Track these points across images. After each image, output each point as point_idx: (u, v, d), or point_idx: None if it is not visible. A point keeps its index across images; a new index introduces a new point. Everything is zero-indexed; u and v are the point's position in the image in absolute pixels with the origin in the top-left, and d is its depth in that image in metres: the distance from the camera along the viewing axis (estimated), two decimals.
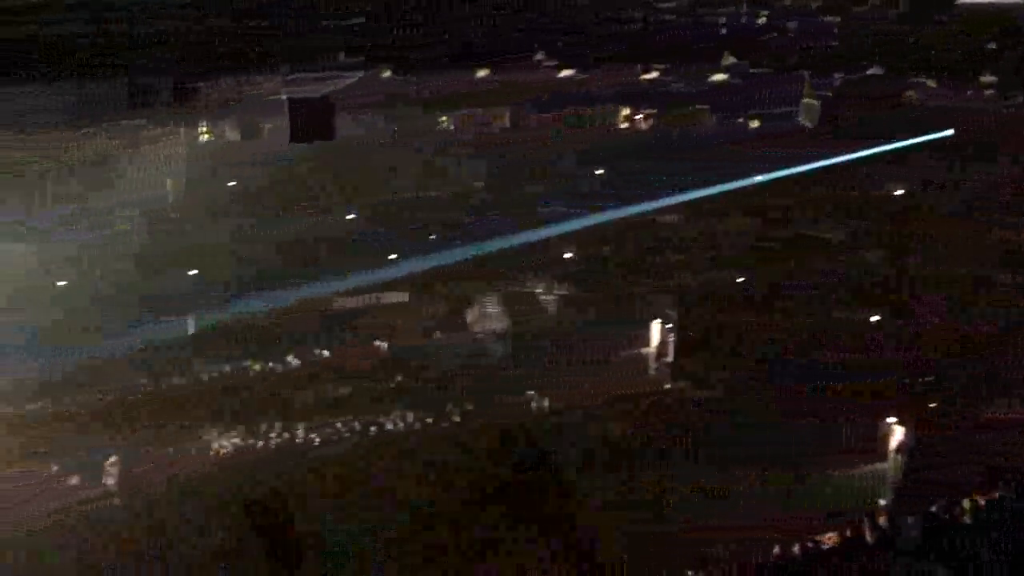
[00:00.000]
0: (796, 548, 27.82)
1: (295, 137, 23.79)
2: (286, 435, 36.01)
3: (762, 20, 63.97)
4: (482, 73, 49.77)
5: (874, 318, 43.11)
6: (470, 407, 37.33)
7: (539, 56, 53.90)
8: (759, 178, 53.16)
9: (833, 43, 63.00)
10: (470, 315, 44.07)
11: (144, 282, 42.08)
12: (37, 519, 30.80)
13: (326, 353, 41.29)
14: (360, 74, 29.42)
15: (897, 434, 33.91)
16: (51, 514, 31.28)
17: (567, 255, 47.88)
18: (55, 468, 34.12)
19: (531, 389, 38.33)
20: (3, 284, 40.93)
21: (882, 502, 31.14)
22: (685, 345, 40.65)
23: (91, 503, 32.51)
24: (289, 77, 26.96)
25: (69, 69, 21.62)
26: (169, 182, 42.65)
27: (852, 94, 60.26)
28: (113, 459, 34.64)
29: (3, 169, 41.20)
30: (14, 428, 36.50)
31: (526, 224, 46.89)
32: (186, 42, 21.64)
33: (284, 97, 26.27)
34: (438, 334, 42.94)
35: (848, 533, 28.52)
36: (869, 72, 61.59)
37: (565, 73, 55.46)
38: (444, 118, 47.70)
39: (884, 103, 59.63)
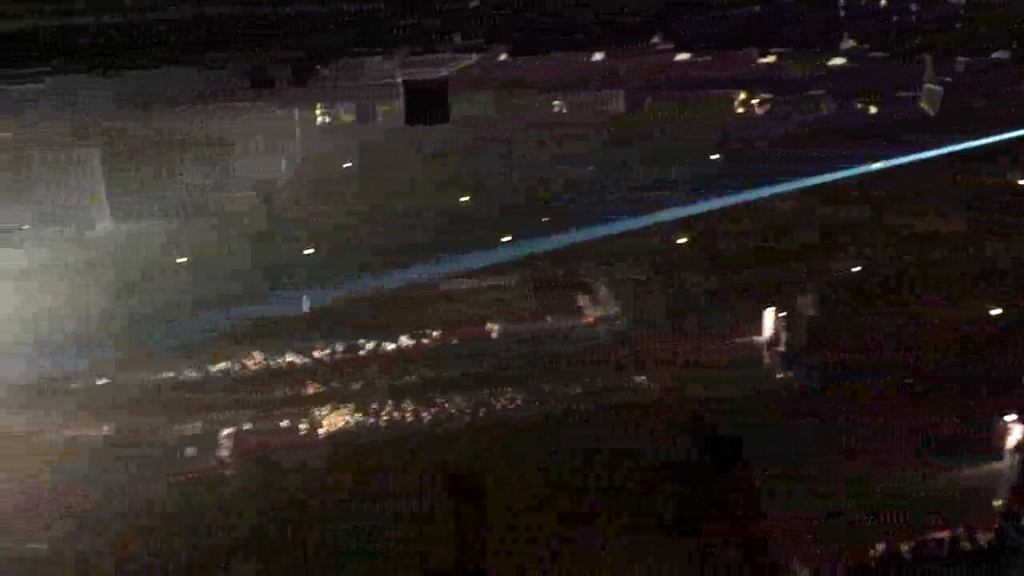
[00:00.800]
0: (906, 546, 27.13)
1: (411, 119, 23.88)
2: (396, 414, 36.34)
3: (883, 2, 62.48)
4: (598, 56, 49.42)
5: (995, 311, 41.70)
6: (578, 390, 37.18)
7: (655, 39, 53.32)
8: (877, 165, 51.95)
9: (957, 26, 61.21)
10: (582, 299, 43.92)
11: (260, 259, 42.78)
12: (156, 486, 31.63)
13: (436, 333, 41.56)
14: (476, 57, 29.39)
15: (1016, 432, 32.67)
16: (169, 482, 32.11)
17: (681, 240, 47.34)
18: (175, 438, 35.16)
19: (641, 375, 38.01)
20: (129, 260, 42.26)
21: (998, 502, 30.07)
22: (800, 335, 39.76)
23: (205, 473, 33.29)
24: (406, 60, 27.03)
25: (195, 52, 22.01)
26: (285, 162, 43.40)
27: (976, 79, 58.48)
28: (227, 432, 35.48)
29: (130, 149, 42.37)
30: (138, 399, 37.71)
31: (639, 209, 46.45)
32: (307, 26, 21.84)
33: (400, 80, 26.36)
34: (549, 319, 42.85)
35: (961, 532, 27.66)
36: (994, 56, 59.69)
37: (681, 57, 54.79)
38: (558, 102, 47.48)
39: (1009, 89, 57.70)
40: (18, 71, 23.65)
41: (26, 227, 43.29)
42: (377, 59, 28.99)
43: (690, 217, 47.39)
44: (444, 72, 29.28)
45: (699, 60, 55.24)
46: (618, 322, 42.59)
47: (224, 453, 34.54)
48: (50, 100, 30.59)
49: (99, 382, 39.77)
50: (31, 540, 28.50)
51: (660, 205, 47.43)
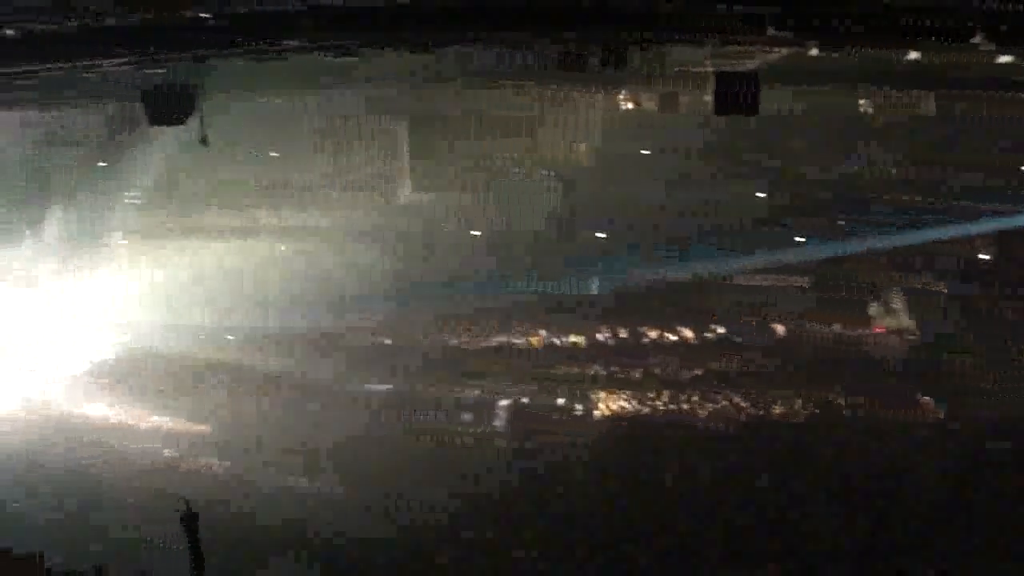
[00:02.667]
0: None
1: (719, 110, 23.39)
2: (672, 405, 36.08)
3: None
4: (914, 55, 46.76)
5: None
6: (860, 401, 35.78)
7: (976, 39, 49.89)
8: None
9: None
10: (873, 308, 42.21)
11: (553, 239, 43.33)
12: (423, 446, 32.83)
13: (721, 329, 41.04)
14: (786, 49, 28.58)
15: None
16: (439, 442, 33.22)
17: (983, 256, 44.46)
18: (453, 402, 36.36)
19: (927, 394, 36.14)
20: (425, 230, 43.89)
21: None
22: None
23: (478, 439, 34.22)
24: (716, 49, 26.57)
25: (508, 31, 22.39)
26: (585, 146, 43.78)
27: None
28: (504, 403, 36.32)
29: (435, 123, 43.89)
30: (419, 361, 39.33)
31: (945, 218, 43.93)
32: (617, 11, 21.89)
33: (711, 69, 25.91)
34: (837, 326, 41.45)
35: None
36: None
37: (1004, 59, 50.92)
38: (864, 100, 45.61)
39: None
40: (338, 45, 24.88)
41: (335, 191, 45.60)
42: (687, 47, 28.64)
43: (999, 230, 44.08)
44: (754, 63, 28.66)
45: None
46: (912, 336, 40.71)
47: (499, 423, 35.39)
48: (362, 72, 31.93)
49: (385, 341, 41.74)
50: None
51: (969, 215, 44.54)
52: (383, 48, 25.25)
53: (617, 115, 41.70)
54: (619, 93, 40.86)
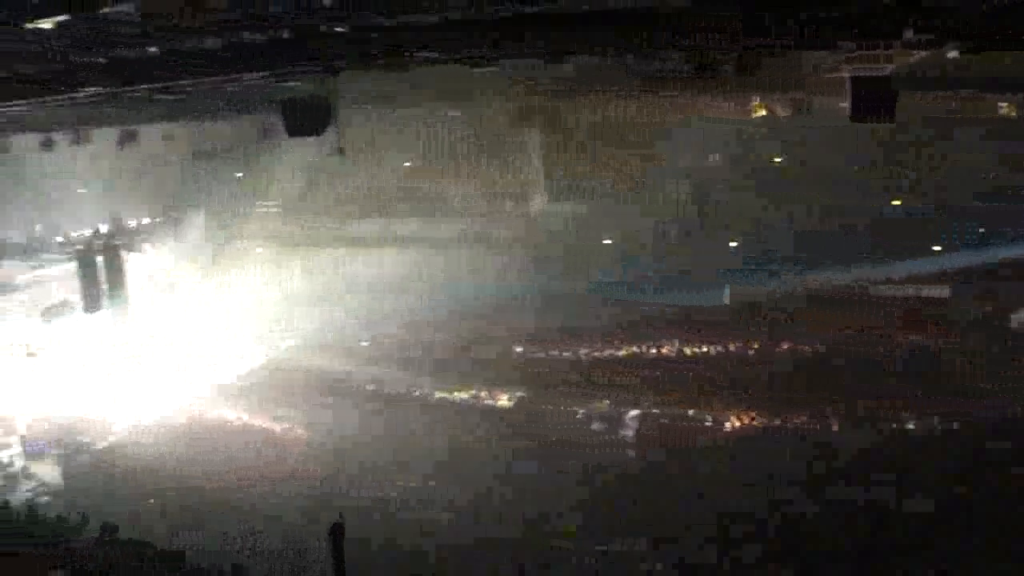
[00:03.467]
0: None
1: (856, 116, 22.83)
2: (802, 420, 35.01)
3: None
4: None
5: None
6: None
7: None
8: None
9: None
10: (1015, 320, 40.69)
11: (685, 247, 42.99)
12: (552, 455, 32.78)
13: (855, 343, 39.94)
14: (924, 53, 27.76)
15: None
16: (568, 452, 33.13)
17: None
18: (582, 411, 36.32)
19: None
20: (556, 238, 44.03)
21: None
22: None
23: (607, 449, 34.07)
24: (851, 54, 26.01)
25: (640, 39, 22.24)
26: (719, 153, 43.33)
27: None
28: (634, 413, 36.14)
29: (567, 133, 43.95)
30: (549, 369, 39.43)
31: None
32: (748, 17, 21.55)
33: (846, 75, 25.41)
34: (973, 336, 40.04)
35: None
36: None
37: None
38: (1005, 104, 44.06)
39: None
40: (472, 55, 25.04)
41: (469, 201, 46.13)
42: (821, 52, 28.06)
43: None
44: (890, 68, 27.91)
45: None
46: None
47: (629, 433, 35.22)
48: (496, 83, 32.18)
49: (516, 349, 41.97)
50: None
51: None
52: (517, 58, 25.39)
53: (750, 122, 41.14)
54: (752, 100, 40.31)
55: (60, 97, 27.33)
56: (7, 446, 37.34)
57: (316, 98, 25.12)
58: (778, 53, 24.67)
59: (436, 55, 23.61)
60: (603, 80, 33.22)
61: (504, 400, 38.00)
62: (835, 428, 34.31)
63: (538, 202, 45.53)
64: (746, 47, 23.44)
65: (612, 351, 41.11)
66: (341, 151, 27.77)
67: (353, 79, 25.99)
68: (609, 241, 43.88)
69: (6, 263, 40.60)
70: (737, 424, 35.20)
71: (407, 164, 46.13)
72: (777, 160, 42.24)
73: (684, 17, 21.65)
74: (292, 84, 26.02)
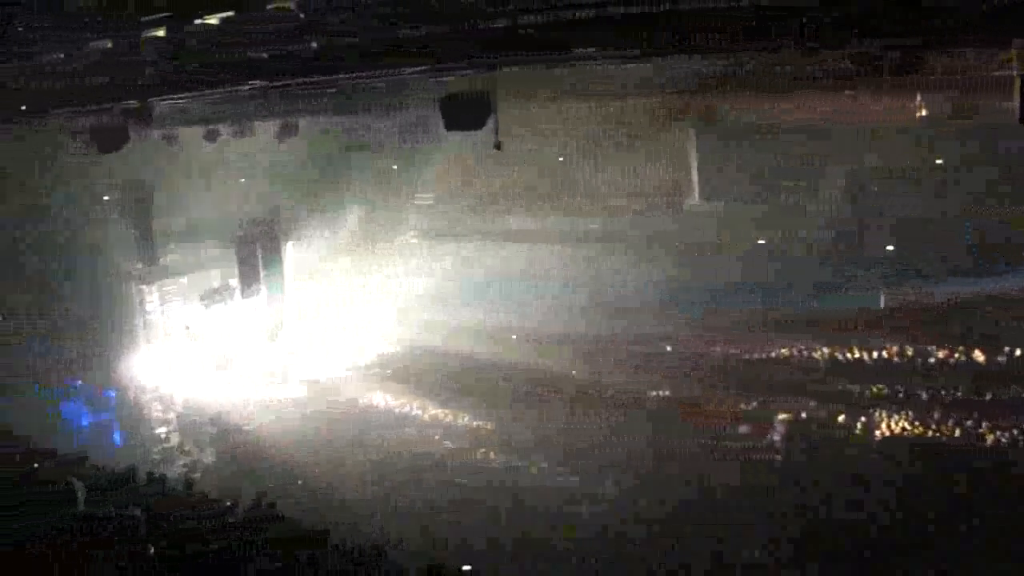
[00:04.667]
0: None
1: None
2: (958, 431, 34.06)
3: None
4: None
5: None
6: None
7: None
8: None
9: None
10: None
11: (841, 250, 42.02)
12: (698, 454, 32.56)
13: (1018, 351, 38.44)
14: None
15: None
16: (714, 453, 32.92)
17: None
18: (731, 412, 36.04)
19: None
20: (708, 237, 43.55)
21: None
22: None
23: (754, 453, 33.73)
24: (1021, 52, 25.11)
25: (801, 36, 21.93)
26: (875, 155, 42.05)
27: None
28: (782, 416, 35.67)
29: (718, 132, 43.43)
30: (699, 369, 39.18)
31: None
32: (918, 14, 20.94)
33: (1014, 73, 24.57)
34: None
35: None
36: None
37: None
38: None
39: None
40: (623, 53, 25.06)
41: (622, 197, 46.08)
42: (986, 50, 27.10)
43: None
44: None
45: None
46: None
47: (776, 437, 34.79)
48: (651, 79, 32.09)
49: (666, 348, 41.76)
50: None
51: None
52: (673, 55, 25.32)
53: (911, 122, 39.96)
54: (913, 99, 39.15)
55: (224, 91, 28.47)
56: (168, 423, 39.04)
57: (474, 93, 25.43)
58: (941, 50, 24.08)
59: (593, 51, 23.76)
60: (759, 77, 32.79)
61: (652, 395, 37.93)
62: (990, 441, 33.16)
63: (692, 199, 45.00)
64: (907, 45, 22.94)
65: (762, 352, 40.46)
66: (498, 146, 27.94)
67: (512, 74, 26.30)
68: (763, 241, 43.16)
69: (169, 249, 42.29)
70: (888, 432, 34.39)
71: (560, 159, 46.25)
72: (939, 162, 40.88)
73: (847, 13, 21.33)
74: (450, 79, 26.46)
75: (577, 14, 20.58)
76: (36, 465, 23.28)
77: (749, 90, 36.74)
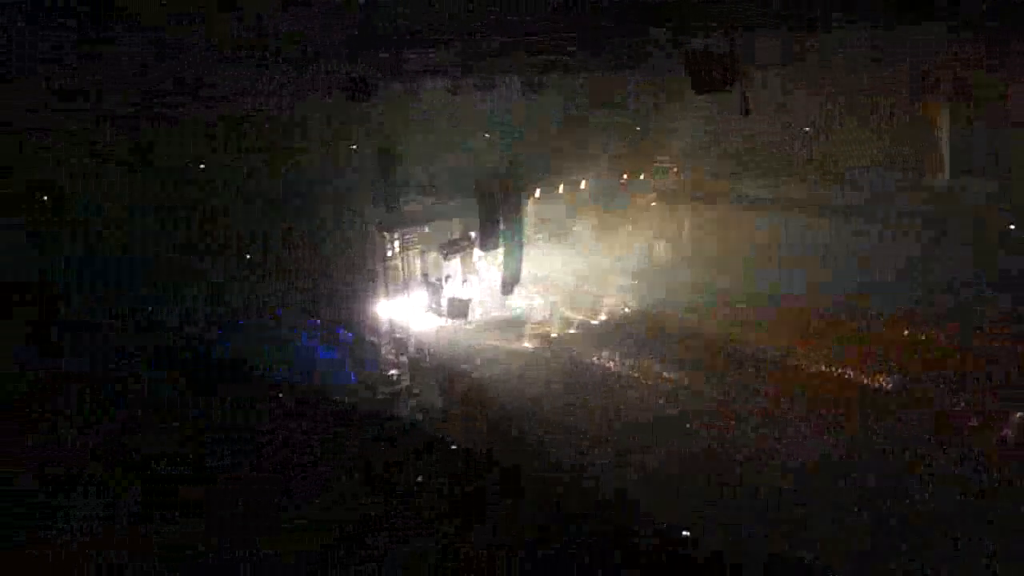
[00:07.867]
0: None
1: None
2: None
3: None
4: None
5: None
6: None
7: None
8: None
9: None
10: None
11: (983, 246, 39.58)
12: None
13: None
14: None
15: None
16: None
17: None
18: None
19: None
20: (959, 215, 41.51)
21: None
22: None
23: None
24: None
25: None
26: None
27: None
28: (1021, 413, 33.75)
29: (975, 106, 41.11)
30: None
31: None
32: None
33: None
34: None
35: None
36: None
37: None
38: None
39: None
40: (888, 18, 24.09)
41: (869, 171, 44.51)
42: None
43: None
44: None
45: None
46: None
47: (1009, 432, 32.87)
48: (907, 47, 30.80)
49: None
50: None
51: None
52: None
53: None
54: None
55: (472, 45, 29.00)
56: (399, 366, 40.57)
57: (723, 55, 25.07)
58: None
59: (844, 17, 23.10)
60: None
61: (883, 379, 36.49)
62: None
63: (941, 176, 42.71)
64: None
65: (995, 340, 37.92)
66: (747, 111, 27.28)
67: (761, 37, 25.78)
68: (1014, 226, 40.68)
69: (411, 198, 43.64)
70: None
71: (807, 129, 44.98)
72: None
73: None
74: (699, 41, 26.15)
75: None
76: None
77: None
